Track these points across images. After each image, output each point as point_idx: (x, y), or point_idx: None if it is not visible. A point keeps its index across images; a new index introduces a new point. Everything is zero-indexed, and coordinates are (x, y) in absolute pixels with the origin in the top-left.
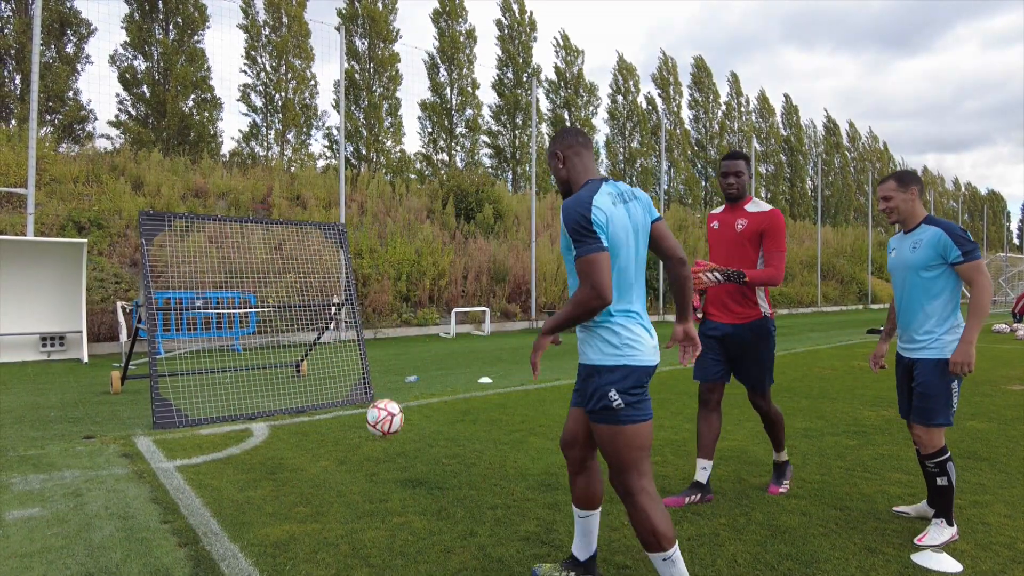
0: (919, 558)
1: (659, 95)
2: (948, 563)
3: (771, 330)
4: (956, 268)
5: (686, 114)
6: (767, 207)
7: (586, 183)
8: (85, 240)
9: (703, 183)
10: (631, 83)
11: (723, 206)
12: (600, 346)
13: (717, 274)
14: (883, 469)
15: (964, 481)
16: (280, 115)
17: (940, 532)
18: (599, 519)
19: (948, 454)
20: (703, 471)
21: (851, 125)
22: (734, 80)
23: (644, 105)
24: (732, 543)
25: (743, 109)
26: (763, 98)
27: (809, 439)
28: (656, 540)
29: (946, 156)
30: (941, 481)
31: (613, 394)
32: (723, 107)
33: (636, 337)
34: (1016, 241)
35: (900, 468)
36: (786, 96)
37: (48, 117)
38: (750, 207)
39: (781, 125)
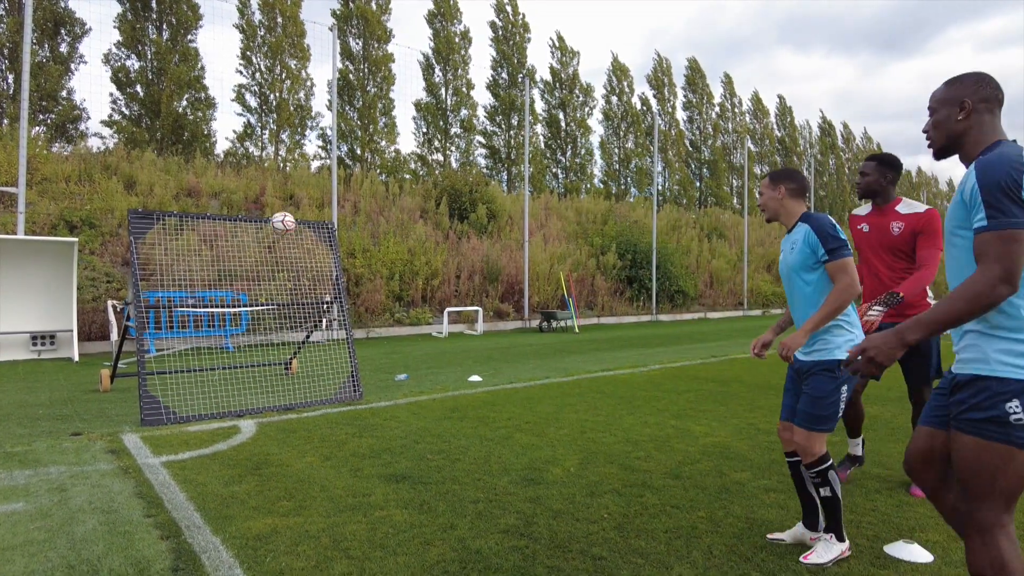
0: (891, 549)
1: (654, 96)
2: (919, 554)
3: None
4: (826, 267)
5: (680, 115)
6: (922, 207)
7: (998, 143)
8: (76, 239)
9: (697, 183)
10: (625, 84)
11: (868, 207)
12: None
13: (877, 308)
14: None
15: None
16: (275, 115)
17: (828, 549)
18: None
19: (830, 462)
20: (856, 446)
21: (845, 126)
22: (728, 81)
23: (639, 106)
24: (709, 535)
25: (737, 110)
26: (756, 99)
27: None
28: None
29: None
30: (824, 492)
31: (1015, 405)
32: (717, 108)
33: None
34: None
35: (880, 463)
36: (780, 97)
37: (41, 116)
38: (902, 208)
39: (776, 126)
